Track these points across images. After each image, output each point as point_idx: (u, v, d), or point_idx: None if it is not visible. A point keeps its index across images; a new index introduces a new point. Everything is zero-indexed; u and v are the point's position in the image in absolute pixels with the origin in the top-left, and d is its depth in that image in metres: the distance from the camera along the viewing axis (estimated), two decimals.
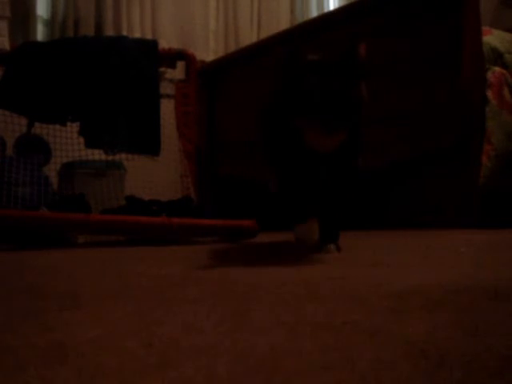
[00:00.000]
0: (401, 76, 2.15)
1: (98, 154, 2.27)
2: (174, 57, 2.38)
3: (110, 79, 2.14)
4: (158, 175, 2.28)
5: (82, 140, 2.18)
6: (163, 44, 2.80)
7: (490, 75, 2.17)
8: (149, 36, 3.20)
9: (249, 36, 3.58)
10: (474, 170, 2.07)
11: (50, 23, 3.04)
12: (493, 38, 2.41)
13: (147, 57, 2.24)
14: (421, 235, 1.70)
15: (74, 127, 2.19)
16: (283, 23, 3.73)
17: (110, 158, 2.27)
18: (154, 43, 2.35)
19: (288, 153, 1.21)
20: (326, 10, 3.99)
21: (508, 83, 2.23)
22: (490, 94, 2.14)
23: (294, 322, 0.52)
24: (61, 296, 0.70)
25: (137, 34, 3.16)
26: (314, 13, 3.96)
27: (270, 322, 0.53)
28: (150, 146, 2.20)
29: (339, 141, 1.09)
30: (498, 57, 2.36)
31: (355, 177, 1.23)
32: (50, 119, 2.17)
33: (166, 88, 2.42)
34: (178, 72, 2.50)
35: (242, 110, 2.68)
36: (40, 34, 3.01)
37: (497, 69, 2.23)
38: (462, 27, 1.98)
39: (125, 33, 3.11)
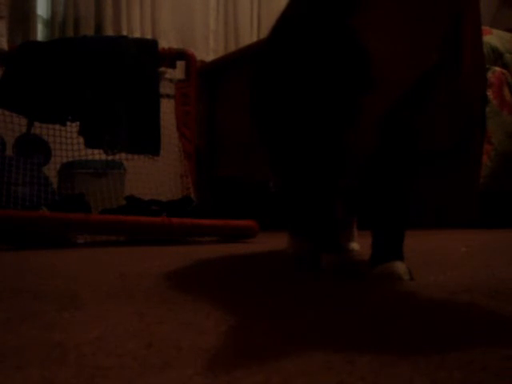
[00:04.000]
0: None
1: (98, 154, 2.26)
2: (174, 57, 2.37)
3: (110, 79, 2.13)
4: (157, 175, 2.28)
5: (81, 140, 2.18)
6: (163, 44, 2.79)
7: (490, 75, 2.17)
8: (149, 36, 3.20)
9: (249, 36, 3.58)
10: (475, 170, 2.07)
11: (49, 23, 3.04)
12: (493, 37, 2.41)
13: (147, 57, 2.24)
14: (421, 235, 1.70)
15: (73, 127, 2.19)
16: None
17: (110, 157, 2.27)
18: (154, 43, 2.34)
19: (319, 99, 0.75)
20: None
21: (508, 83, 2.23)
22: (490, 93, 2.14)
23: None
24: (61, 296, 0.70)
25: (137, 34, 3.16)
26: None
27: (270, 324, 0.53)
28: (150, 146, 2.20)
29: (432, 54, 0.68)
30: (498, 57, 2.37)
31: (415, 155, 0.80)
32: (49, 119, 2.17)
33: (165, 88, 2.42)
34: (178, 72, 2.50)
35: (242, 110, 2.68)
36: (40, 33, 3.00)
37: (497, 69, 2.23)
38: (461, 27, 1.98)
39: (125, 33, 3.11)
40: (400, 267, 0.75)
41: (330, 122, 0.77)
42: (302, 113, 0.80)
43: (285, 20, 0.87)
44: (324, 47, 0.73)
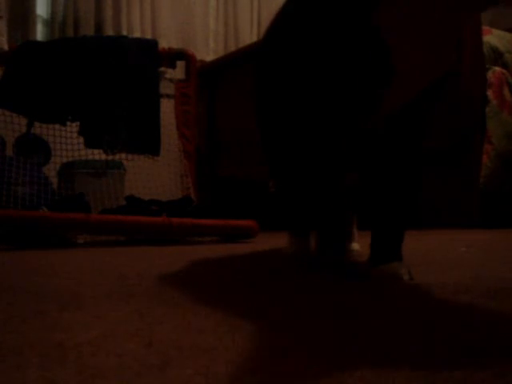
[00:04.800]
0: None
1: (98, 154, 2.26)
2: (173, 57, 2.37)
3: (110, 79, 2.13)
4: (158, 175, 2.28)
5: (81, 140, 2.18)
6: (163, 44, 2.79)
7: (490, 75, 2.17)
8: (149, 36, 3.20)
9: (249, 36, 3.58)
10: (475, 170, 2.07)
11: (49, 23, 3.04)
12: (493, 37, 2.41)
13: (147, 56, 2.24)
14: (421, 235, 1.70)
15: (73, 127, 2.19)
16: None
17: (110, 157, 2.27)
18: (154, 43, 2.34)
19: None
20: None
21: (508, 83, 2.23)
22: (490, 93, 2.14)
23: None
24: (61, 296, 0.70)
25: (137, 34, 3.16)
26: None
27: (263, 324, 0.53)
28: (149, 146, 2.20)
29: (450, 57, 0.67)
30: (498, 57, 2.37)
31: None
32: (49, 119, 2.17)
33: (165, 88, 2.42)
34: (178, 72, 2.50)
35: (242, 110, 2.68)
36: (40, 33, 3.00)
37: (497, 69, 2.23)
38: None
39: (125, 33, 3.11)
40: (400, 267, 0.76)
41: (339, 119, 0.76)
42: (309, 109, 0.78)
43: (296, 16, 0.83)
44: (344, 42, 0.70)
